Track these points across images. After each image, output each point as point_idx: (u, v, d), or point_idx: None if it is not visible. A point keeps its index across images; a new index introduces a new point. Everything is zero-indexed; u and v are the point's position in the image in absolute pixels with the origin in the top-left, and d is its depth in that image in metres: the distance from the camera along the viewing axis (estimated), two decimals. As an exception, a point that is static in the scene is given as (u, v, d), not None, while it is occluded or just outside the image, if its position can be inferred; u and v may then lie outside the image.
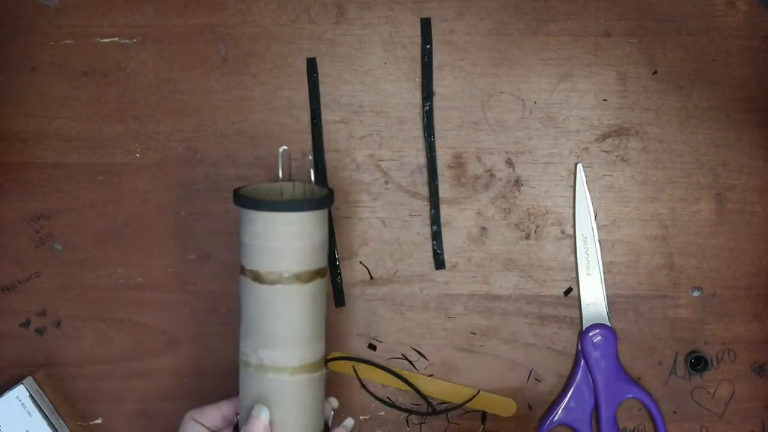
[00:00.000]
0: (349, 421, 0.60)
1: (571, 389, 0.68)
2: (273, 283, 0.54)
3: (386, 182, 0.69)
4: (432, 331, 0.69)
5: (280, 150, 0.60)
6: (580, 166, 0.69)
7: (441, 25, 0.69)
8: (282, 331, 0.55)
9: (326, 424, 0.58)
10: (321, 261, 0.56)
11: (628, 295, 0.69)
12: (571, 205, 0.69)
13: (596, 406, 0.68)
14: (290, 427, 0.55)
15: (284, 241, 0.54)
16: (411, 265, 0.69)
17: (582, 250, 0.69)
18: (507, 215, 0.70)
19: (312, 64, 0.69)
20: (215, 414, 0.58)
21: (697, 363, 0.68)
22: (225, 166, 0.69)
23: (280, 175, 0.60)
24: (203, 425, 0.57)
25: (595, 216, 0.69)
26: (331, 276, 0.69)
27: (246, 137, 0.69)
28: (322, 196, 0.57)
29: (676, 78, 0.69)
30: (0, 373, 0.69)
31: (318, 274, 0.56)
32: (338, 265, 0.69)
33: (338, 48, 0.70)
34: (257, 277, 0.54)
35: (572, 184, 0.69)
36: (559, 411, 0.68)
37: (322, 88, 0.69)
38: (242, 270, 0.55)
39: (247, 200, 0.54)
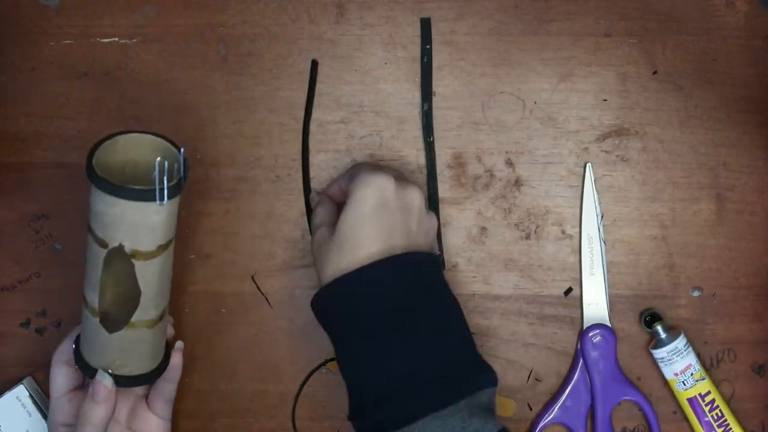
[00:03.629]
0: (179, 344, 0.65)
1: (568, 388, 0.68)
2: (88, 231, 0.56)
3: (386, 182, 0.69)
4: (432, 331, 0.69)
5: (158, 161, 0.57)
6: (589, 166, 0.69)
7: (441, 25, 0.69)
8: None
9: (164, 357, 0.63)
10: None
11: (628, 295, 0.69)
12: (572, 205, 0.69)
13: (592, 407, 0.68)
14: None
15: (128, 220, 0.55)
16: (411, 265, 0.69)
17: (587, 250, 0.69)
18: (507, 215, 0.70)
19: (314, 67, 0.69)
20: (71, 347, 0.62)
21: (652, 321, 0.68)
22: (225, 166, 0.69)
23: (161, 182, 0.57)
24: (68, 367, 0.62)
25: (602, 216, 0.69)
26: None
27: (246, 137, 0.69)
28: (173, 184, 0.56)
29: (676, 78, 0.69)
30: (0, 373, 0.69)
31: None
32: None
33: (338, 48, 0.70)
34: (87, 227, 0.57)
35: (572, 184, 0.69)
36: (555, 409, 0.68)
37: (323, 89, 0.69)
38: (90, 231, 0.57)
39: (106, 183, 0.54)
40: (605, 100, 0.70)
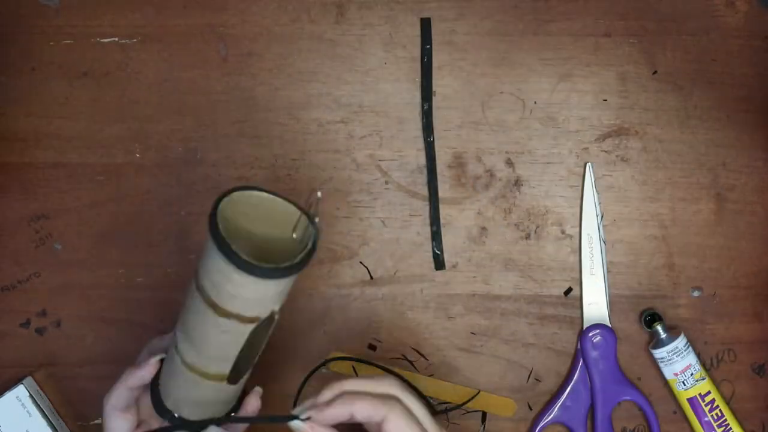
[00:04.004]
0: (258, 389, 0.62)
1: (568, 388, 0.68)
2: (225, 316, 0.52)
3: (386, 182, 0.69)
4: (432, 331, 0.69)
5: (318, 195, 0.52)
6: (589, 166, 0.69)
7: (441, 25, 0.69)
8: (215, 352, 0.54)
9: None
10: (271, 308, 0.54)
11: (628, 295, 0.69)
12: (572, 205, 0.69)
13: (592, 407, 0.68)
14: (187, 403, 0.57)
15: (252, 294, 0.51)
16: (411, 265, 0.69)
17: (587, 250, 0.69)
18: (507, 215, 0.70)
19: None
20: (126, 393, 0.58)
21: (652, 321, 0.68)
22: (225, 166, 0.69)
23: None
24: (125, 414, 0.59)
25: (602, 216, 0.69)
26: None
27: (246, 137, 0.69)
28: (303, 258, 0.51)
29: (676, 78, 0.70)
30: (0, 373, 0.69)
31: (265, 318, 0.54)
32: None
33: (338, 48, 0.70)
34: (214, 307, 0.52)
35: (572, 184, 0.69)
36: (555, 409, 0.68)
37: (323, 89, 0.70)
38: (199, 288, 0.52)
39: (233, 255, 0.49)
40: (605, 100, 0.70)
